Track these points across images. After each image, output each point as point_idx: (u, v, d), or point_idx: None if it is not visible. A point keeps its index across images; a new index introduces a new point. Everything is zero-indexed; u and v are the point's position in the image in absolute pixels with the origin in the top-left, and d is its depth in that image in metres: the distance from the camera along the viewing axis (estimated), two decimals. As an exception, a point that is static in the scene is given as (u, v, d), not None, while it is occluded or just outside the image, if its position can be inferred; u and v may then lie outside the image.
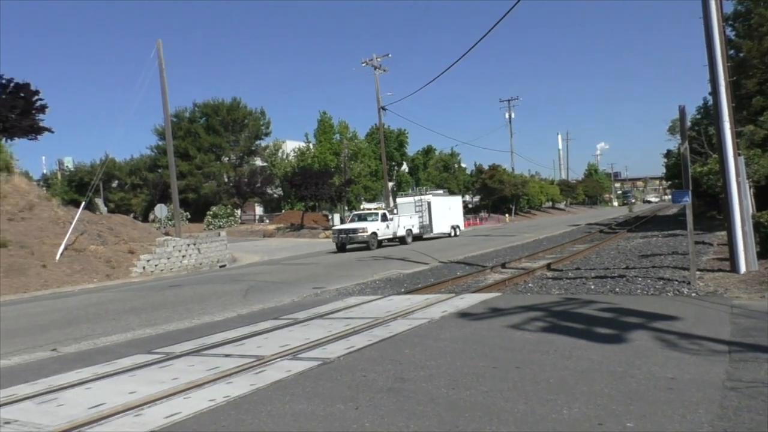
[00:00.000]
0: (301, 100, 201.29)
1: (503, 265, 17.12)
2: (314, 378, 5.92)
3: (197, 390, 5.79)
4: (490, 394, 4.99)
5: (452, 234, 37.40)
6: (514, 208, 66.89)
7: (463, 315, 8.95)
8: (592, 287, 11.45)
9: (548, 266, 15.83)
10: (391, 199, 38.88)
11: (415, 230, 33.98)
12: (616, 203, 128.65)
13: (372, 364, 6.32)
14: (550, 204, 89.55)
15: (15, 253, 20.38)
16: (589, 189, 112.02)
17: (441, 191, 44.53)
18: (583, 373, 5.44)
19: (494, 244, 26.85)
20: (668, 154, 55.49)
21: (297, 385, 5.71)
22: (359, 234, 29.00)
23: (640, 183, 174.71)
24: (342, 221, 43.63)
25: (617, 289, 10.94)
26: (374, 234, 29.63)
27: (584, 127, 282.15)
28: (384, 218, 31.31)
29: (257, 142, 64.99)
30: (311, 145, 58.39)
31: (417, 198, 36.32)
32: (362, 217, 31.73)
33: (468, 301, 10.34)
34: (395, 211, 35.87)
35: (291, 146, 62.29)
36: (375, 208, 34.92)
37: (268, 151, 63.11)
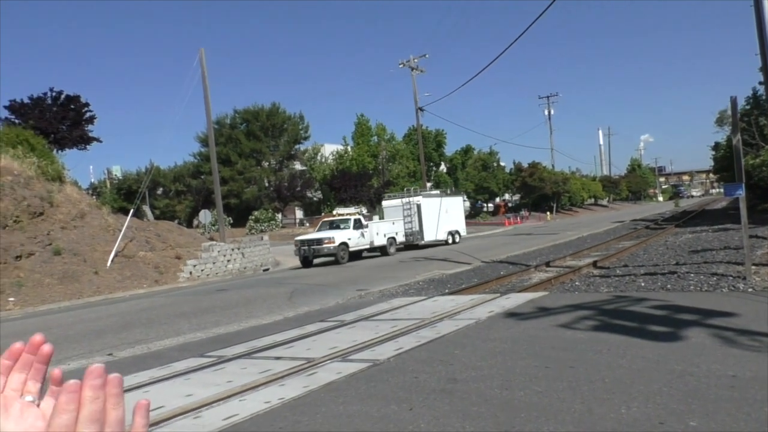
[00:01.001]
0: (338, 104, 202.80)
1: (547, 264, 16.88)
2: (366, 379, 5.95)
3: (252, 392, 5.90)
4: (545, 394, 4.93)
5: (450, 241, 32.04)
6: (555, 205, 65.94)
7: (511, 315, 8.87)
8: (642, 284, 11.19)
9: (594, 264, 15.54)
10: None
11: (400, 237, 29.37)
12: (661, 198, 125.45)
13: (422, 365, 6.32)
14: (592, 201, 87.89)
15: (68, 260, 21.08)
16: (633, 184, 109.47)
17: (437, 191, 38.01)
18: (640, 371, 5.33)
19: (536, 243, 26.51)
20: (716, 147, 53.81)
21: (349, 386, 5.75)
22: (324, 245, 24.35)
23: (685, 177, 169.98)
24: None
25: (669, 286, 10.67)
26: (344, 245, 25.01)
27: (626, 121, 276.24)
28: (358, 225, 26.44)
29: (296, 146, 65.70)
30: (349, 148, 58.71)
31: (405, 200, 31.13)
32: (333, 225, 26.66)
33: (514, 300, 10.24)
34: (378, 216, 32.78)
35: (329, 149, 62.78)
36: (350, 213, 29.14)
37: (307, 155, 63.76)
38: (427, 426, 4.44)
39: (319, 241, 24.60)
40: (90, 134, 32.13)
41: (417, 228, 30.43)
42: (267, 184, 62.32)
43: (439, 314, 9.50)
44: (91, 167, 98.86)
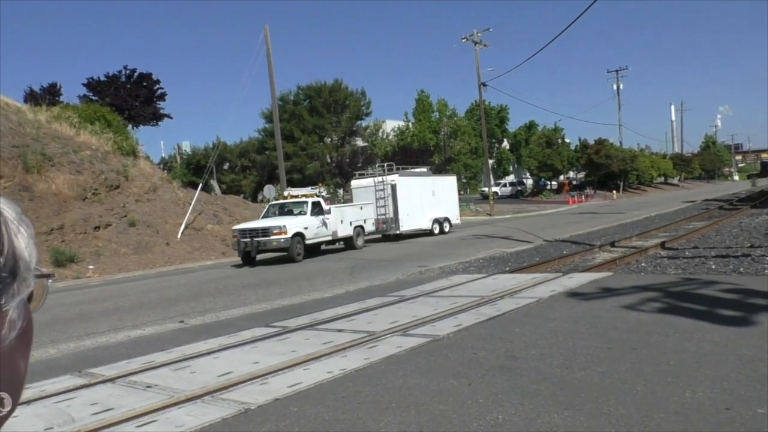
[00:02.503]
0: (400, 80, 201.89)
1: (612, 244, 16.48)
2: (425, 354, 6.06)
3: (315, 362, 6.11)
4: (607, 374, 4.90)
5: (436, 231, 26.19)
6: (622, 184, 63.84)
7: (573, 295, 8.76)
8: (713, 267, 10.80)
9: (662, 245, 15.05)
10: (387, 178, 25.26)
11: (370, 226, 23.23)
12: (737, 177, 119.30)
13: (481, 342, 6.37)
14: (661, 179, 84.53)
15: (142, 231, 22.14)
16: (706, 162, 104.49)
17: (423, 169, 31.13)
18: (707, 356, 5.20)
19: (601, 222, 25.84)
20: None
21: (409, 360, 5.88)
22: (272, 237, 18.24)
23: (765, 155, 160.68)
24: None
25: (741, 269, 10.26)
26: (299, 236, 18.85)
27: (701, 97, 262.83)
28: (317, 210, 20.18)
29: (358, 122, 66.00)
30: (410, 124, 58.54)
31: (378, 179, 24.96)
32: (284, 209, 20.57)
33: (577, 280, 10.09)
34: (342, 199, 26.44)
35: (391, 126, 62.79)
36: (306, 195, 21.63)
37: (368, 131, 64.02)
38: (485, 401, 4.51)
39: (266, 231, 18.34)
40: (161, 111, 33.35)
41: (391, 214, 24.76)
42: (329, 160, 63.06)
43: (499, 292, 9.49)
44: (162, 143, 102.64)
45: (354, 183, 27.25)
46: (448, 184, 29.09)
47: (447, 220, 27.28)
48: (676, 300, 7.76)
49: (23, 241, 0.53)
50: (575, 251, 15.45)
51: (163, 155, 65.63)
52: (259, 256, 19.31)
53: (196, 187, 27.64)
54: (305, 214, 19.74)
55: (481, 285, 10.55)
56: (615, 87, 76.19)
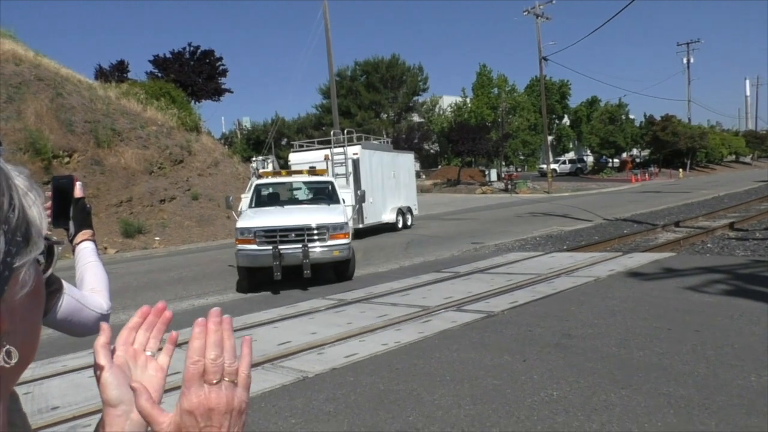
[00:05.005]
0: (458, 55, 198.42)
1: (677, 224, 15.92)
2: (480, 329, 6.08)
3: (370, 334, 6.23)
4: (666, 355, 4.80)
5: (400, 224, 20.09)
6: (689, 162, 61.22)
7: (633, 275, 8.56)
8: (785, 250, 10.32)
9: (731, 226, 14.45)
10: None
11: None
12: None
13: (537, 319, 6.33)
14: (733, 157, 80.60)
15: (204, 205, 22.85)
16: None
17: (376, 142, 23.25)
18: (775, 340, 5.02)
19: (666, 201, 24.95)
20: None
21: (463, 335, 5.91)
22: (328, 244, 10.17)
23: None
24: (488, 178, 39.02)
25: (817, 253, 9.76)
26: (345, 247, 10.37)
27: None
28: (331, 196, 11.95)
29: (415, 98, 65.64)
30: (468, 100, 57.74)
31: (336, 151, 18.31)
32: (295, 193, 12.99)
33: (637, 260, 9.84)
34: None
35: (447, 101, 62.15)
36: (310, 168, 13.63)
37: (425, 107, 63.59)
38: (540, 378, 4.50)
39: (304, 232, 10.10)
40: (223, 86, 34.07)
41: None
42: (385, 136, 63.11)
43: (556, 270, 9.36)
44: (222, 118, 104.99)
45: (294, 157, 19.08)
46: (407, 163, 22.82)
47: (410, 210, 21.39)
48: (744, 282, 7.47)
49: (35, 209, 0.59)
50: (636, 231, 15.02)
51: (224, 131, 67.21)
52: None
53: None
54: (339, 204, 11.54)
55: (537, 263, 10.44)
56: (685, 61, 72.76)
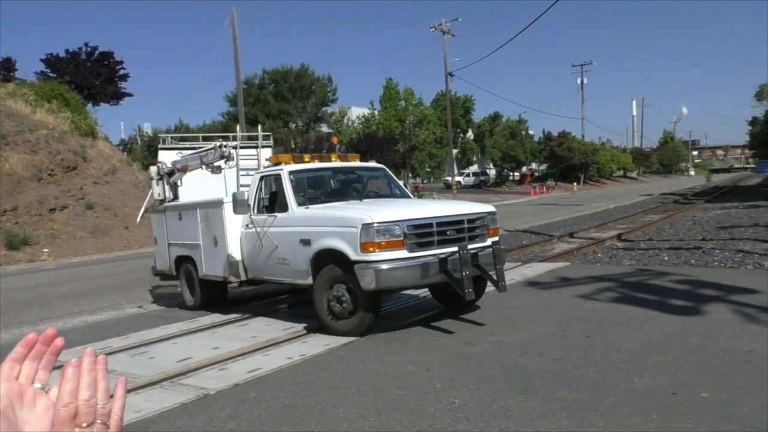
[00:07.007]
0: (367, 67, 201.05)
1: (571, 235, 16.83)
2: (385, 340, 6.12)
3: (275, 348, 6.12)
4: (560, 361, 5.05)
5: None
6: (582, 176, 65.09)
7: (532, 284, 8.96)
8: (666, 259, 11.15)
9: (619, 237, 15.45)
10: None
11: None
12: (693, 172, 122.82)
13: (441, 329, 6.47)
14: (621, 173, 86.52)
15: (100, 214, 21.63)
16: (665, 157, 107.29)
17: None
18: (656, 344, 5.40)
19: (561, 214, 26.34)
20: (754, 121, 52.36)
21: (369, 347, 5.93)
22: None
23: (720, 152, 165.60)
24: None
25: (693, 261, 10.62)
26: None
27: (661, 93, 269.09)
28: (393, 189, 8.76)
29: (324, 108, 65.62)
30: (376, 112, 58.48)
31: (249, 153, 11.01)
32: (341, 184, 8.54)
33: (536, 270, 10.31)
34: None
35: (356, 113, 62.61)
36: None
37: (334, 117, 63.69)
38: (443, 386, 4.60)
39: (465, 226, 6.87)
40: (123, 90, 32.52)
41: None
42: (294, 146, 62.54)
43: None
44: (122, 123, 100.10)
45: (163, 156, 11.48)
46: None
47: None
48: (630, 290, 8.01)
49: None
50: (535, 241, 15.73)
51: (123, 137, 63.99)
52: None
53: (156, 170, 27.12)
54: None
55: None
56: (579, 81, 77.41)
